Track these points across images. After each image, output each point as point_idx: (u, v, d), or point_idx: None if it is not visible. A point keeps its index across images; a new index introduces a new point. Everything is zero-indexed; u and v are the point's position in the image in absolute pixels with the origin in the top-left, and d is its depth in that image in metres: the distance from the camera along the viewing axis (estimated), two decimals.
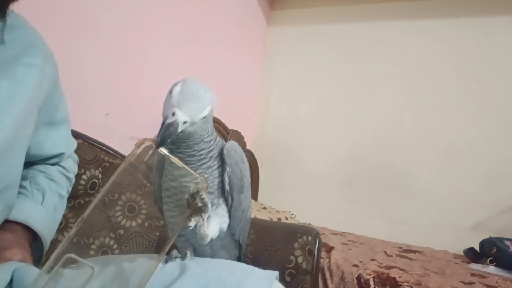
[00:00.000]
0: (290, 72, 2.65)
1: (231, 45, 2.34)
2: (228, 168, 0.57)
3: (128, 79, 1.57)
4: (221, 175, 0.59)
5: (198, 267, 0.49)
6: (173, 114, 0.50)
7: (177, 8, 1.83)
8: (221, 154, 0.59)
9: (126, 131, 1.55)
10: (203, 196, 0.51)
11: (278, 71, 2.69)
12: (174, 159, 0.51)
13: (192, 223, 0.51)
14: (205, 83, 0.54)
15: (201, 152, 0.55)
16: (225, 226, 0.57)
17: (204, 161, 0.57)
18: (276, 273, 0.50)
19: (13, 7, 0.54)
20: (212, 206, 0.56)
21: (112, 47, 1.48)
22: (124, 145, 1.31)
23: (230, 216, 0.59)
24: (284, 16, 2.71)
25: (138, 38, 1.60)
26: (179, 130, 0.50)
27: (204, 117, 0.53)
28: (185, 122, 0.50)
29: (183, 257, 0.56)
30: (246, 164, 0.62)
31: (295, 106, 2.60)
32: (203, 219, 0.51)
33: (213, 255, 0.61)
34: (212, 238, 0.52)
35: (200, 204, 0.51)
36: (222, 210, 0.58)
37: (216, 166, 0.59)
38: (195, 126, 0.53)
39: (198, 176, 0.50)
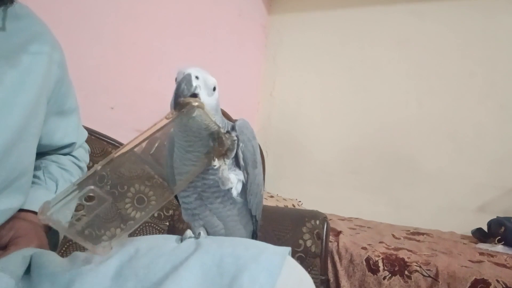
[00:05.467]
0: (293, 60, 2.65)
1: (233, 35, 2.34)
2: (241, 144, 0.58)
3: (132, 72, 1.57)
4: None
5: (212, 243, 0.50)
6: (189, 74, 0.50)
7: (179, 0, 1.83)
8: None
9: (131, 124, 1.56)
10: (234, 138, 0.55)
11: (280, 59, 2.68)
12: (209, 115, 0.52)
13: (216, 163, 0.53)
14: None
15: None
16: (239, 187, 0.58)
17: None
18: (289, 249, 0.52)
19: None
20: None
21: (116, 40, 1.49)
22: (129, 138, 1.32)
23: (246, 190, 0.60)
24: (284, 4, 2.70)
25: (141, 31, 1.61)
26: (194, 84, 0.50)
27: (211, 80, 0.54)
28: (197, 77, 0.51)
29: (197, 236, 0.58)
30: (257, 141, 0.64)
31: (299, 94, 2.60)
32: (225, 164, 0.53)
33: (228, 233, 0.62)
34: (230, 190, 0.55)
35: (228, 143, 0.53)
36: (240, 175, 0.59)
37: None
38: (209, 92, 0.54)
39: (230, 135, 0.52)
